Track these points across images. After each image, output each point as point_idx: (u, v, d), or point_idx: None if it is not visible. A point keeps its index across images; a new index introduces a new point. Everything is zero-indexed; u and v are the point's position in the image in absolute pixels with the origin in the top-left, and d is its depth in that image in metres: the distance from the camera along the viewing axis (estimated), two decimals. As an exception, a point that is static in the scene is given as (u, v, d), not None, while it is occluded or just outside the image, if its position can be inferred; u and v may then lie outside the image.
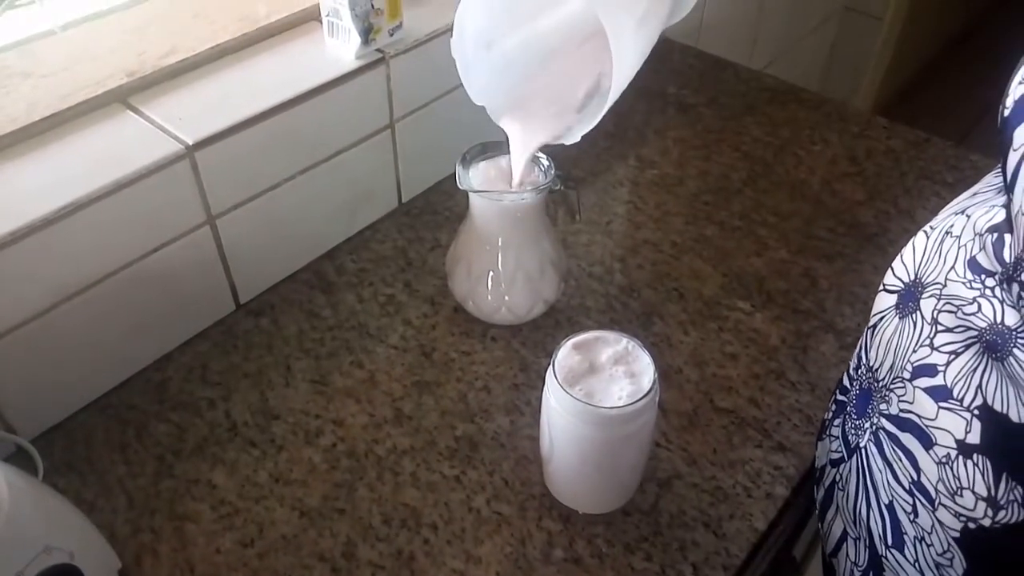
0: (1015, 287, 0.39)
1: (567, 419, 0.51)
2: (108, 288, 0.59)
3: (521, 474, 0.59)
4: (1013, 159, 0.38)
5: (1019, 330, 0.39)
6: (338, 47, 0.71)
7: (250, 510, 0.57)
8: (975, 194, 0.47)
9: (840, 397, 0.56)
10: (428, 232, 0.80)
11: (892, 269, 0.51)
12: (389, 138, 0.77)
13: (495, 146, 0.65)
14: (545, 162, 0.64)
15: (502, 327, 0.70)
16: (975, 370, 0.41)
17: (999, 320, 0.40)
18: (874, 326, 0.51)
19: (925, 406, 0.44)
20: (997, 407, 0.40)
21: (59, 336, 0.58)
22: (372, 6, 0.68)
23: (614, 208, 0.84)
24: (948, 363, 0.43)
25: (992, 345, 0.41)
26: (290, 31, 0.73)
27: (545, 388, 0.53)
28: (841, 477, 0.53)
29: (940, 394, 0.43)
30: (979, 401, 0.41)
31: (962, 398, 0.42)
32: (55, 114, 0.61)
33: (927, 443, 0.44)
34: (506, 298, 0.68)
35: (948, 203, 0.50)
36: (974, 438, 0.41)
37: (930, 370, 0.44)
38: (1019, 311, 0.39)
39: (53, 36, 0.72)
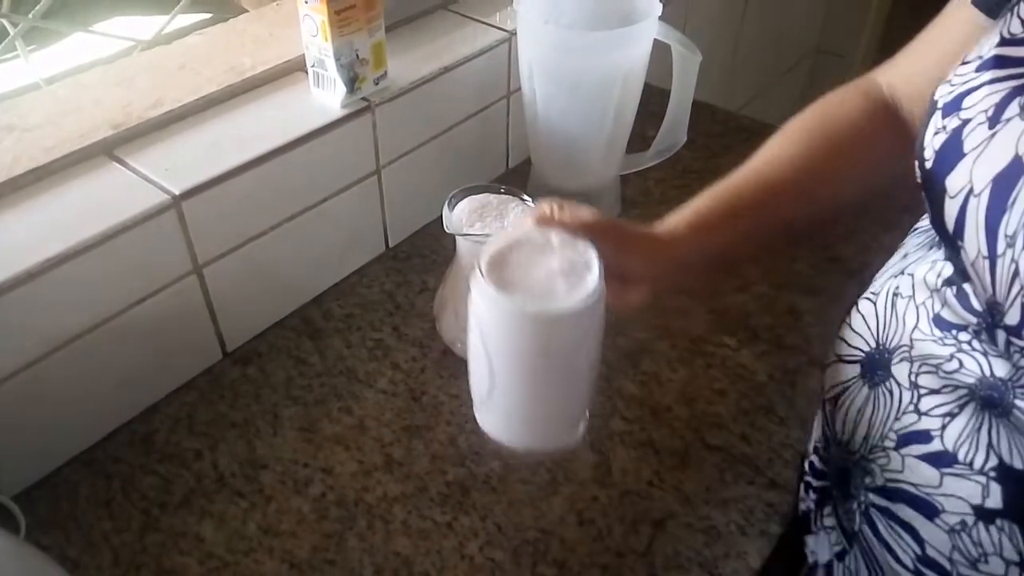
0: (1000, 334, 0.37)
1: (505, 330, 0.44)
2: (93, 340, 0.59)
3: (514, 518, 0.59)
4: (952, 207, 0.37)
5: (1015, 380, 0.37)
6: (324, 97, 0.72)
7: (239, 563, 0.56)
8: (905, 256, 0.46)
9: (817, 482, 0.52)
10: (416, 275, 0.80)
11: (843, 339, 0.49)
12: (375, 184, 0.77)
13: (481, 189, 0.66)
14: (531, 203, 0.65)
15: (491, 369, 0.70)
16: (980, 429, 0.38)
17: (988, 374, 0.38)
18: (835, 399, 0.48)
19: (924, 474, 0.41)
20: (1018, 465, 0.37)
21: (43, 390, 0.57)
22: (357, 56, 0.70)
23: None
24: (944, 426, 0.40)
25: (989, 401, 0.38)
26: (276, 82, 0.74)
27: (472, 302, 0.46)
28: (851, 572, 0.49)
29: (942, 460, 0.40)
30: (993, 462, 0.38)
31: (971, 461, 0.39)
32: (39, 167, 0.61)
33: (931, 512, 0.41)
34: (494, 340, 0.68)
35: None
36: (994, 502, 0.38)
37: (923, 436, 0.41)
38: (1010, 359, 0.37)
39: (37, 90, 0.73)
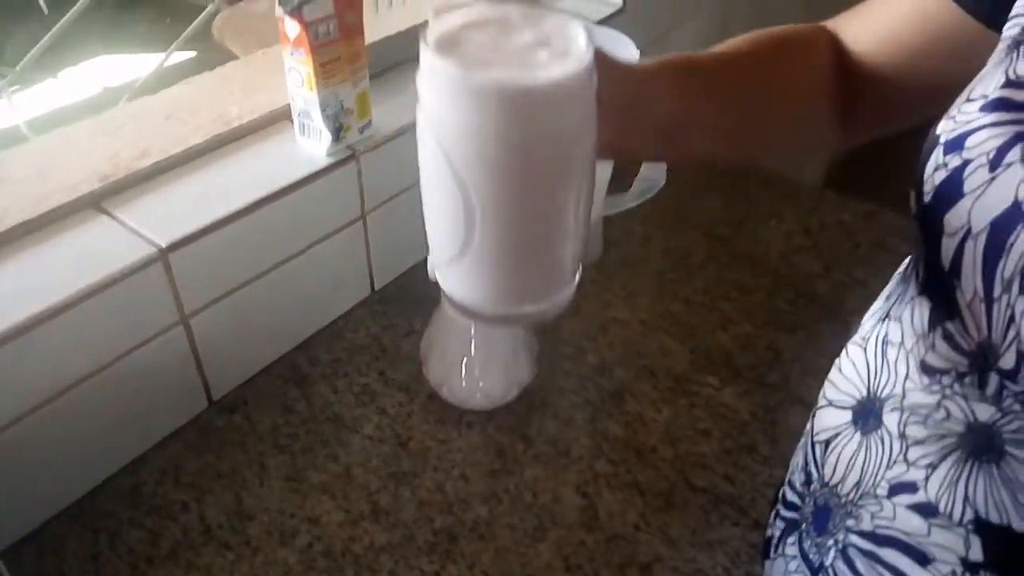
0: (992, 377, 0.37)
1: (482, 127, 0.33)
2: (80, 394, 0.59)
3: (501, 565, 0.59)
4: (949, 245, 0.37)
5: (1000, 423, 0.37)
6: (310, 145, 0.73)
7: (226, 617, 0.56)
8: (888, 296, 0.46)
9: (788, 514, 0.53)
10: (402, 318, 0.81)
11: (834, 384, 0.49)
12: (361, 229, 0.78)
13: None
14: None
15: (477, 412, 0.71)
16: (957, 481, 0.38)
17: (973, 419, 0.37)
18: (827, 442, 0.48)
19: (913, 523, 0.41)
20: (994, 519, 0.37)
21: (30, 445, 0.57)
22: (342, 106, 0.71)
23: (583, 287, 0.85)
24: (927, 477, 0.40)
25: (978, 449, 0.37)
26: (262, 131, 0.75)
27: (426, 111, 0.34)
28: None
29: (928, 511, 0.40)
30: (970, 515, 0.37)
31: (951, 514, 0.38)
32: (28, 221, 0.61)
33: (922, 559, 0.40)
34: (480, 383, 0.69)
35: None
36: (976, 555, 0.37)
37: (910, 487, 0.41)
38: (1000, 404, 0.36)
39: (25, 141, 0.73)
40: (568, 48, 0.34)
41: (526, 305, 0.40)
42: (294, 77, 0.69)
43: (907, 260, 0.50)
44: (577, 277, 0.42)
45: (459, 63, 0.32)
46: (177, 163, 0.70)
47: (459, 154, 0.34)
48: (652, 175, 0.84)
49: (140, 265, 0.60)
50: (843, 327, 0.80)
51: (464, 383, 0.69)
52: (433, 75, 0.33)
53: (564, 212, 0.38)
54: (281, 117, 0.77)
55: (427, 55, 0.33)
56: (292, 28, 0.65)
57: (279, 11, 0.65)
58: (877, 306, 0.49)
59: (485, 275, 0.38)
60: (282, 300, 0.73)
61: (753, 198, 1.00)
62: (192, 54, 1.27)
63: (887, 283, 0.52)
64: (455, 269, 0.39)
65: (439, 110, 0.34)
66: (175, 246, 0.61)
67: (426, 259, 0.64)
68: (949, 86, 0.51)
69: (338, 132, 0.72)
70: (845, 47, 0.53)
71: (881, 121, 0.56)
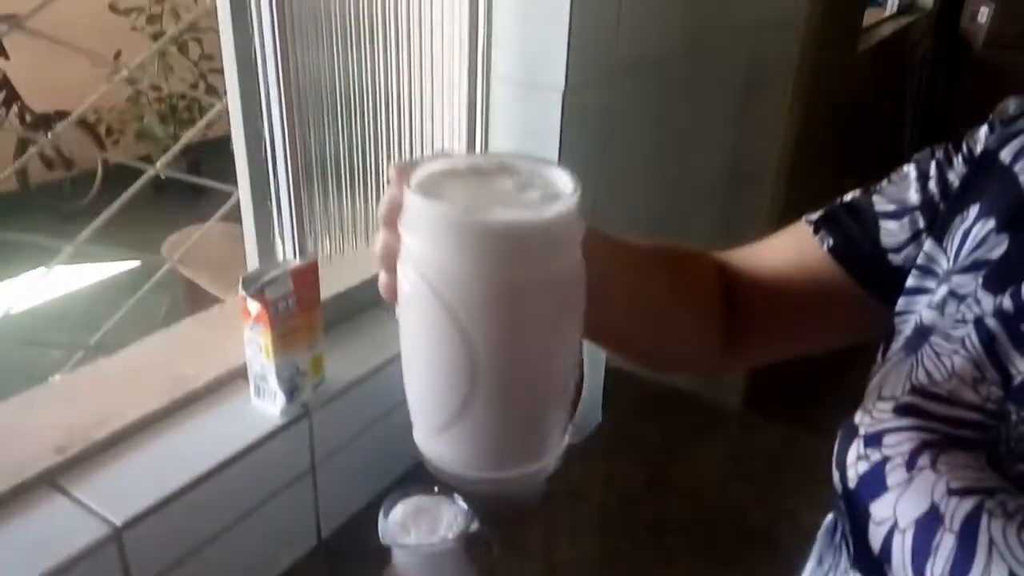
0: None
1: (488, 275, 0.34)
2: None
3: None
4: (877, 533, 0.40)
5: None
6: (264, 406, 0.76)
7: None
8: (821, 560, 0.49)
9: None
10: (348, 572, 0.80)
11: None
12: (309, 480, 0.80)
13: (414, 491, 0.69)
14: (463, 505, 0.69)
15: (429, 676, 0.70)
16: None
17: None
18: None
19: None
20: None
21: None
22: (298, 370, 0.75)
23: (531, 525, 0.88)
24: None
25: None
26: (218, 392, 0.79)
27: (419, 267, 0.35)
28: None
29: None
30: None
31: None
32: (-20, 503, 0.62)
33: None
34: (431, 646, 0.68)
35: (824, 503, 0.50)
36: None
37: None
38: None
39: (-19, 410, 0.75)
40: (555, 190, 0.36)
41: (524, 465, 0.40)
42: (253, 346, 0.74)
43: (830, 518, 0.53)
44: (567, 436, 0.42)
45: (452, 206, 0.34)
46: (134, 430, 0.72)
47: (454, 294, 0.34)
48: (587, 417, 0.90)
49: (94, 548, 0.60)
50: (777, 564, 0.83)
51: (414, 647, 0.68)
52: (426, 221, 0.34)
53: (563, 357, 0.39)
54: (237, 376, 0.81)
55: (418, 201, 0.34)
56: (253, 307, 0.71)
57: (242, 291, 0.71)
58: (811, 568, 0.51)
59: (485, 432, 0.38)
60: (227, 562, 0.73)
61: (681, 424, 1.06)
62: (136, 263, 1.32)
63: (815, 514, 0.53)
64: (451, 431, 0.38)
65: (435, 255, 0.34)
66: (129, 525, 0.62)
67: (374, 503, 0.66)
68: (833, 331, 0.57)
69: (292, 393, 0.76)
70: (732, 280, 0.58)
71: (760, 352, 0.60)
